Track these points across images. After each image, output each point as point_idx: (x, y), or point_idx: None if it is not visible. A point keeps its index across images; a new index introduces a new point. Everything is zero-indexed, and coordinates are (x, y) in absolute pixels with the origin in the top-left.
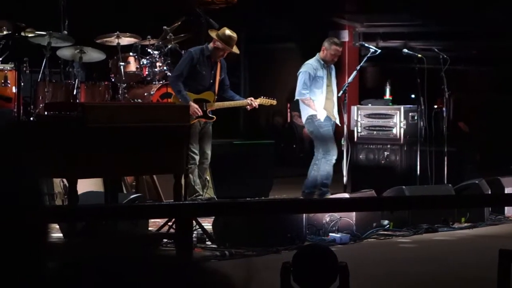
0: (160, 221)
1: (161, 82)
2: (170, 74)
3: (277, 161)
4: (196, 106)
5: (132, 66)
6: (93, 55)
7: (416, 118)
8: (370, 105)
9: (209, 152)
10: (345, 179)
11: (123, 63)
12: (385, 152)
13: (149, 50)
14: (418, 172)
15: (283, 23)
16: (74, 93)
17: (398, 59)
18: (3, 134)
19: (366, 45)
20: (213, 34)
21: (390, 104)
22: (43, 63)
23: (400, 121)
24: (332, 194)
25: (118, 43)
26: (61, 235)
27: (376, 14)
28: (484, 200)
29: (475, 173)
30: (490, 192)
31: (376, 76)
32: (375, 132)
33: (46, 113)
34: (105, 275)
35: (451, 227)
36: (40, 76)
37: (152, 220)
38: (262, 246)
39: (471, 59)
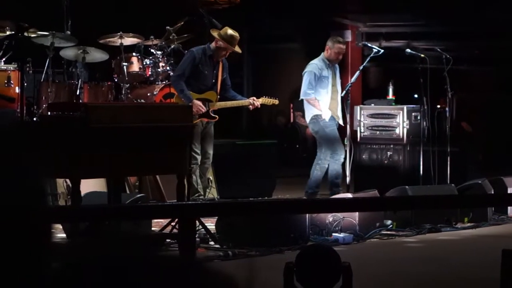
0: (163, 221)
1: (164, 82)
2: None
3: (280, 161)
4: (199, 103)
5: (135, 66)
6: (96, 55)
7: (419, 118)
8: (373, 105)
9: (211, 152)
10: (348, 179)
11: (126, 63)
12: (388, 152)
13: (152, 50)
14: (421, 172)
15: (286, 23)
16: (77, 93)
17: (401, 59)
18: (7, 135)
19: (369, 45)
20: (215, 33)
21: (393, 104)
22: (46, 63)
23: (403, 121)
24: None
25: (121, 43)
26: (64, 235)
27: (379, 14)
28: (487, 200)
29: (478, 173)
30: (493, 192)
31: (379, 76)
32: (378, 132)
33: (49, 113)
34: (108, 275)
35: (454, 227)
36: (43, 76)
37: (155, 220)
38: (265, 246)
39: (474, 59)
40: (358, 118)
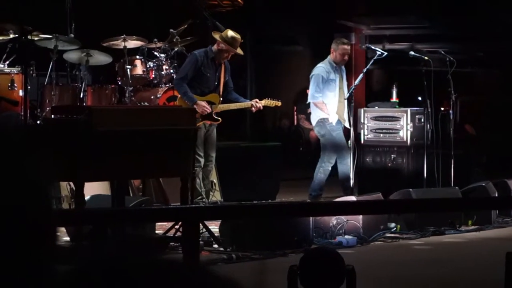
0: (167, 224)
1: (168, 85)
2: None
3: (284, 164)
4: (204, 103)
5: (139, 69)
6: (100, 58)
7: (422, 120)
8: (376, 107)
9: (213, 154)
10: (352, 182)
11: (129, 66)
12: (392, 155)
13: (155, 53)
14: (425, 175)
15: (290, 26)
16: (81, 96)
17: (405, 61)
18: (10, 138)
19: (373, 47)
20: (216, 36)
21: (397, 106)
22: (50, 67)
23: (407, 124)
24: (339, 197)
25: (125, 46)
26: (68, 238)
27: (383, 17)
28: (491, 203)
29: (482, 176)
30: (497, 195)
31: (383, 78)
32: (381, 135)
33: (52, 116)
34: (112, 279)
35: (458, 229)
36: (46, 80)
37: (159, 223)
38: (269, 249)
39: (478, 61)
40: (362, 121)
